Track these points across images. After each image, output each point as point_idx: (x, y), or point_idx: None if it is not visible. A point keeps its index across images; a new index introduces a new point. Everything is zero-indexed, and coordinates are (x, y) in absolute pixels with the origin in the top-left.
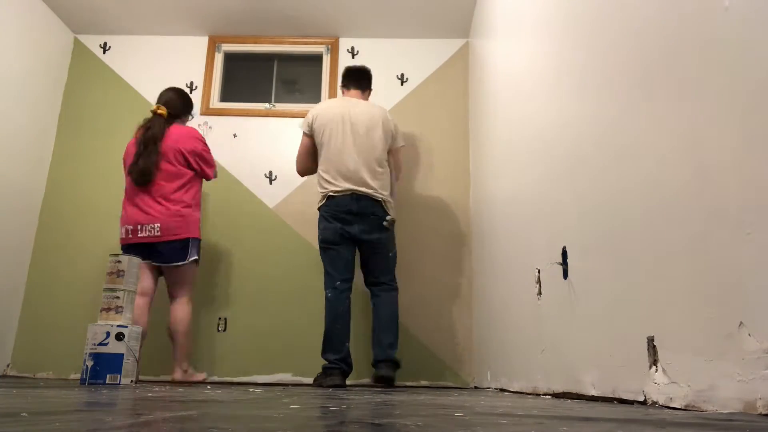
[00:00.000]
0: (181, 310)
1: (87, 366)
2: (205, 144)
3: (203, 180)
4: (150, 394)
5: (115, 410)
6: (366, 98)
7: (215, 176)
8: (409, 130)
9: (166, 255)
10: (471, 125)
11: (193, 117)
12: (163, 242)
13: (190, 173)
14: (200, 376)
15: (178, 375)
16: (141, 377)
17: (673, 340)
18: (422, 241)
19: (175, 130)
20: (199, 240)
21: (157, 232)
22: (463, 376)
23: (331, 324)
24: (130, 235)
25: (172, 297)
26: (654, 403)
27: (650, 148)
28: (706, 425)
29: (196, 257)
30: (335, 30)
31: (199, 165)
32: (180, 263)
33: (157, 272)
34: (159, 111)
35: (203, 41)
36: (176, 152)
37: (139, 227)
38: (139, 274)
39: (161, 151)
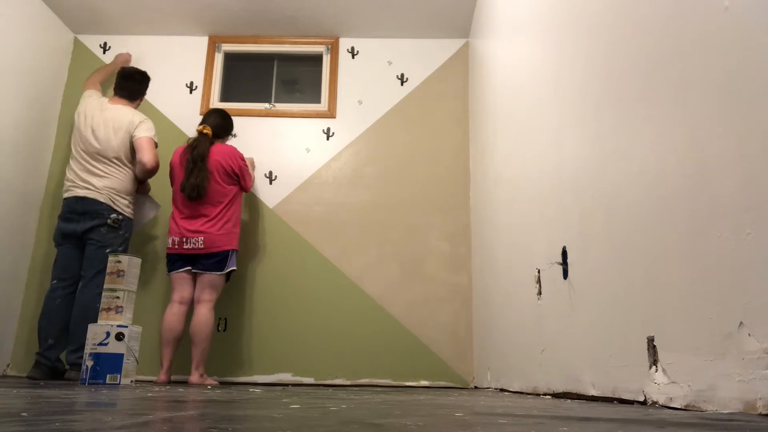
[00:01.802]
0: (205, 314)
1: (87, 366)
2: (243, 160)
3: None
4: (150, 394)
5: (115, 410)
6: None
7: (252, 184)
8: (409, 129)
9: (206, 265)
10: (471, 125)
11: (235, 136)
12: (205, 254)
13: (234, 189)
14: (214, 382)
15: (195, 378)
16: (142, 377)
17: (673, 340)
18: (422, 241)
19: (216, 149)
20: (237, 251)
21: (201, 245)
22: (463, 376)
23: None
24: (176, 246)
25: (198, 301)
26: (654, 403)
27: (650, 148)
28: (706, 425)
29: (234, 268)
30: (335, 30)
31: (240, 179)
32: (217, 273)
33: (194, 281)
34: (204, 131)
35: (203, 41)
36: (221, 172)
37: (184, 240)
38: (139, 274)
39: (209, 168)
